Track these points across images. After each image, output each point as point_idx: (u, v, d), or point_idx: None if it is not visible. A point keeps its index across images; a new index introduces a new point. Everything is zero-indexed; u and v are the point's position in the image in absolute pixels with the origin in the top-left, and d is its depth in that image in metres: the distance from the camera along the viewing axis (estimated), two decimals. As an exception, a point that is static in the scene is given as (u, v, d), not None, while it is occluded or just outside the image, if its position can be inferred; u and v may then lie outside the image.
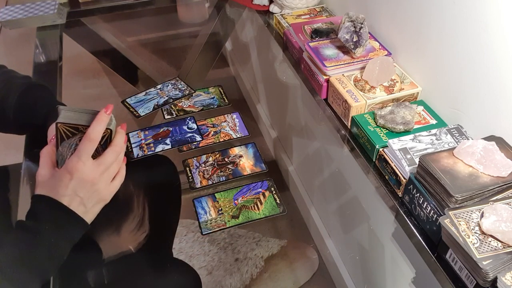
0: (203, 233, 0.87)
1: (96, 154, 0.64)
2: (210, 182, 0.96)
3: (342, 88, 0.85)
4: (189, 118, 1.09)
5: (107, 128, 0.64)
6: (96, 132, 0.61)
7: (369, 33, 0.93)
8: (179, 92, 1.17)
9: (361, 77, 0.87)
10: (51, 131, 0.72)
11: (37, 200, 0.61)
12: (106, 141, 0.65)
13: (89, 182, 0.62)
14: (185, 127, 1.07)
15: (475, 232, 0.56)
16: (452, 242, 0.58)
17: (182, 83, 1.20)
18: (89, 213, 0.63)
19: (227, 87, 1.21)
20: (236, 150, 1.04)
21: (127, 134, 1.03)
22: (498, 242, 0.55)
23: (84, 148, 0.61)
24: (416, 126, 0.78)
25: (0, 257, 0.56)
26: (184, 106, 1.13)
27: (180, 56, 1.86)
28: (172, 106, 1.13)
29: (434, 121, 0.79)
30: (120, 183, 0.67)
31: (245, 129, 1.08)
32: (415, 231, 0.67)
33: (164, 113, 1.11)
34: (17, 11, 1.21)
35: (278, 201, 0.92)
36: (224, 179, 0.96)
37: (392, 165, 0.72)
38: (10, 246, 0.57)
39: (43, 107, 0.78)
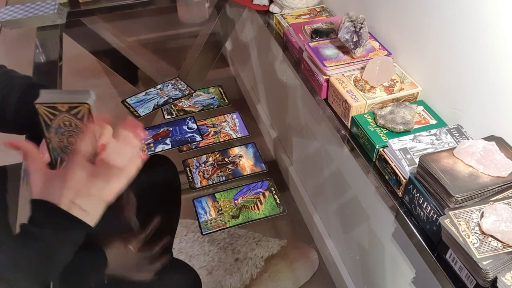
0: (203, 233, 0.87)
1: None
2: (210, 182, 0.96)
3: (342, 88, 0.85)
4: (189, 118, 1.09)
5: (84, 103, 0.60)
6: (83, 145, 0.60)
7: (369, 33, 0.93)
8: (179, 92, 1.17)
9: (361, 77, 0.87)
10: (12, 144, 0.71)
11: (36, 205, 0.60)
12: (83, 118, 0.62)
13: (82, 190, 0.61)
14: (185, 127, 1.07)
15: (475, 232, 0.56)
16: (452, 242, 0.58)
17: (182, 83, 1.20)
18: (91, 215, 0.62)
19: (227, 87, 1.21)
20: (236, 150, 1.04)
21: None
22: (498, 242, 0.55)
23: (73, 160, 0.61)
24: (416, 126, 0.78)
25: (2, 262, 0.56)
26: (184, 106, 1.13)
27: (180, 56, 1.86)
28: (172, 106, 1.13)
29: (434, 121, 0.79)
30: (124, 182, 0.65)
31: (245, 129, 1.08)
32: (415, 231, 0.67)
33: (164, 113, 1.11)
34: (17, 11, 1.21)
35: (278, 201, 0.92)
36: (224, 179, 0.96)
37: (392, 165, 0.72)
38: (12, 251, 0.57)
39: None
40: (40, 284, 0.58)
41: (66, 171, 0.60)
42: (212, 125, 1.09)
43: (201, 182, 0.96)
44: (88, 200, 0.61)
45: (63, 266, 0.60)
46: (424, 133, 0.74)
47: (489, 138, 0.67)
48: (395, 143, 0.72)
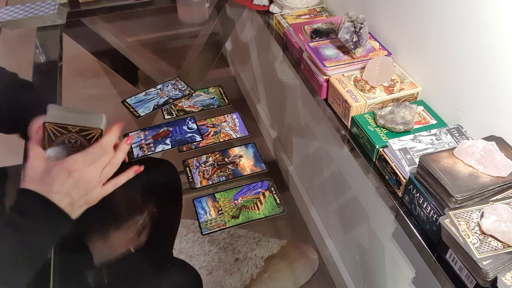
0: (203, 233, 0.87)
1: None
2: (210, 182, 0.96)
3: (342, 88, 0.85)
4: (189, 118, 1.09)
5: (97, 128, 0.62)
6: (110, 142, 0.61)
7: (369, 33, 0.93)
8: (179, 92, 1.17)
9: (361, 77, 0.87)
10: (33, 127, 0.71)
11: (25, 195, 0.60)
12: (92, 140, 0.64)
13: (85, 184, 0.61)
14: (185, 127, 1.07)
15: (475, 232, 0.56)
16: (452, 242, 0.58)
17: (182, 83, 1.20)
18: (74, 213, 0.63)
19: (227, 87, 1.21)
20: (236, 150, 1.04)
21: (128, 134, 1.03)
22: (498, 242, 0.55)
23: (92, 152, 0.61)
24: (416, 126, 0.78)
25: None
26: (184, 106, 1.13)
27: (180, 56, 1.86)
28: (172, 106, 1.13)
29: (434, 121, 0.79)
30: (112, 188, 0.66)
31: (245, 129, 1.08)
32: (415, 231, 0.67)
33: (164, 113, 1.11)
34: (17, 11, 1.21)
35: (278, 201, 0.92)
36: (224, 179, 0.96)
37: (392, 165, 0.72)
38: None
39: (30, 106, 0.77)
40: (24, 272, 0.57)
41: (80, 160, 0.61)
42: (212, 125, 1.09)
43: (201, 182, 0.96)
44: (81, 197, 0.62)
45: (46, 256, 0.60)
46: (424, 133, 0.74)
47: (489, 138, 0.67)
48: (395, 143, 0.72)
